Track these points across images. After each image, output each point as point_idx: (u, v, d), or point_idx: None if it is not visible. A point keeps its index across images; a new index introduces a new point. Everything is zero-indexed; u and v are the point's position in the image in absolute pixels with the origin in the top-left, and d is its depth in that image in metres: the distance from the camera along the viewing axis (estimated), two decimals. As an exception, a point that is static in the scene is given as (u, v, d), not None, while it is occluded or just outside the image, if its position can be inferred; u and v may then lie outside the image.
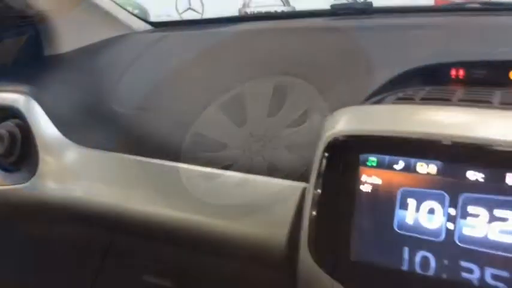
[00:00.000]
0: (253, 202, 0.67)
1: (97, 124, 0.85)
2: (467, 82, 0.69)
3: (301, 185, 0.63)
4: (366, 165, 0.55)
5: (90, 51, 1.00)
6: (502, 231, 0.48)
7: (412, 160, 0.52)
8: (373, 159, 0.54)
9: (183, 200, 0.71)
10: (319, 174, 0.57)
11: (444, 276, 0.50)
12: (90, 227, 0.82)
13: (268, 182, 0.66)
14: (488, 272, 0.48)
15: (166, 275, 0.86)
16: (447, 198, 0.51)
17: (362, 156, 0.55)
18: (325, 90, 0.72)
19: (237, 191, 0.68)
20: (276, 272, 0.66)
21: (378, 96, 0.67)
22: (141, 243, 0.81)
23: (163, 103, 0.83)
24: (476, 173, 0.49)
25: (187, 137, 0.76)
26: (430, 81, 0.70)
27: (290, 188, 0.64)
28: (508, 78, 0.68)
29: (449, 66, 0.69)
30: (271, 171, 0.67)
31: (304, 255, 0.57)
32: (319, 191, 0.57)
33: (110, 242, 0.85)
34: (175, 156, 0.75)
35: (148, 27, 1.08)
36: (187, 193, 0.71)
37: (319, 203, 0.56)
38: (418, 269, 0.51)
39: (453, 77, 0.70)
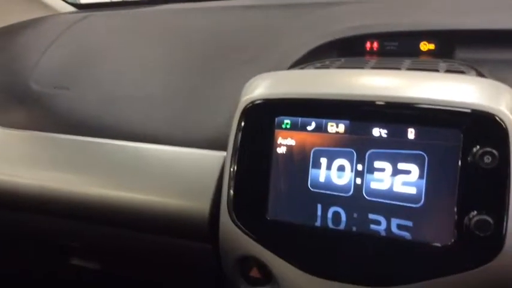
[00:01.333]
0: (174, 174, 0.67)
1: (16, 104, 0.83)
2: (381, 53, 0.73)
3: (222, 153, 0.64)
4: (281, 128, 0.56)
5: (10, 32, 0.97)
6: (405, 183, 0.51)
7: (323, 121, 0.54)
8: (287, 121, 0.56)
9: (104, 177, 0.70)
10: (236, 138, 0.58)
11: (354, 229, 0.53)
12: (15, 210, 0.79)
13: (189, 153, 0.67)
14: (394, 222, 0.51)
15: (92, 257, 0.84)
16: (355, 155, 0.53)
17: (277, 119, 0.56)
18: (246, 63, 0.73)
19: (158, 163, 0.68)
20: (201, 243, 0.67)
21: (297, 67, 0.69)
22: (66, 224, 0.79)
23: (84, 81, 0.82)
24: (381, 130, 0.52)
25: (107, 113, 0.75)
26: (346, 54, 0.73)
27: (211, 157, 0.65)
28: (419, 48, 0.72)
29: (364, 38, 0.73)
30: (192, 142, 0.68)
31: (224, 217, 0.58)
32: (237, 154, 0.58)
33: (36, 226, 0.83)
34: (96, 132, 0.74)
35: (72, 8, 1.06)
36: (107, 169, 0.70)
37: (237, 166, 0.58)
38: (330, 224, 0.53)
39: (368, 49, 0.73)
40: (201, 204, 0.63)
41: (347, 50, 0.73)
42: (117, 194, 0.68)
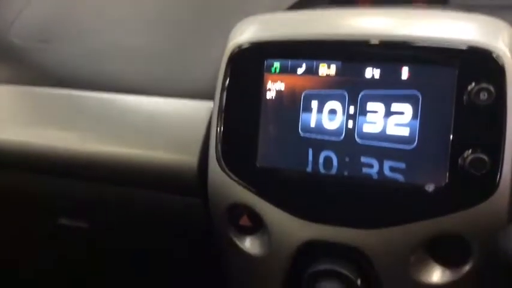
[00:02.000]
0: (161, 125, 0.65)
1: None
2: (373, 1, 0.71)
3: (210, 103, 0.62)
4: (270, 72, 0.54)
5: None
6: (398, 125, 0.49)
7: (314, 62, 0.52)
8: (276, 64, 0.54)
9: (88, 130, 0.68)
10: (224, 85, 0.56)
11: (346, 173, 0.51)
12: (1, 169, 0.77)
13: (176, 104, 0.65)
14: (387, 165, 0.50)
15: (80, 216, 0.83)
16: (347, 97, 0.51)
17: (266, 62, 0.54)
18: (234, 11, 0.70)
19: (144, 115, 0.66)
20: (190, 197, 0.65)
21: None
22: (51, 182, 0.78)
23: (67, 34, 0.78)
24: (374, 70, 0.50)
25: (91, 65, 0.72)
26: (338, 1, 0.71)
27: (199, 107, 0.63)
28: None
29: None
30: (179, 92, 0.65)
31: (213, 165, 0.56)
32: (224, 101, 0.56)
33: (19, 184, 0.81)
34: (80, 85, 0.71)
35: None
36: (91, 122, 0.68)
37: (226, 113, 0.56)
38: (321, 169, 0.52)
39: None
40: (189, 157, 0.61)
41: (339, -1, 0.71)
42: (101, 148, 0.66)
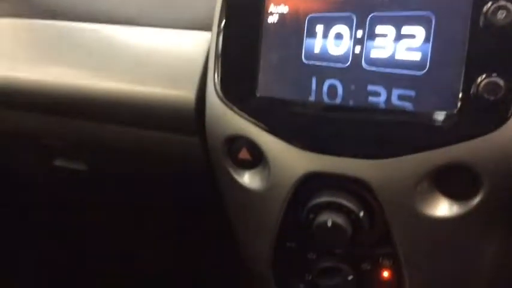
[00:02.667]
0: (157, 58, 0.62)
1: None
2: None
3: (209, 34, 0.59)
4: (272, -6, 0.51)
5: None
6: (409, 49, 0.46)
7: (320, -18, 0.49)
8: (279, -14, 0.50)
9: (80, 65, 0.65)
10: (222, 9, 0.52)
11: (351, 102, 0.48)
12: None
13: (172, 34, 0.62)
14: (395, 93, 0.47)
15: (77, 157, 0.81)
16: (355, 20, 0.48)
17: (268, -16, 0.51)
18: None
19: (139, 47, 0.63)
20: (188, 137, 0.63)
21: None
22: (45, 121, 0.75)
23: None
24: (384, -10, 0.47)
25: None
26: None
27: (197, 37, 0.60)
28: None
29: None
30: (176, 23, 0.62)
31: (211, 97, 0.54)
32: (223, 27, 0.52)
33: (13, 123, 0.79)
34: (72, 17, 0.68)
35: None
36: (83, 56, 0.65)
37: (224, 40, 0.52)
38: (325, 99, 0.49)
39: None
40: (186, 91, 0.58)
41: None
42: (94, 83, 0.63)
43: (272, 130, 0.51)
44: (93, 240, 1.09)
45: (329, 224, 0.48)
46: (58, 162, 0.82)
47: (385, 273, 0.52)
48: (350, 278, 0.53)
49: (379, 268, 0.52)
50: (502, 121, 0.43)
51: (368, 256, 0.52)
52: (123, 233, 1.07)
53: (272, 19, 0.51)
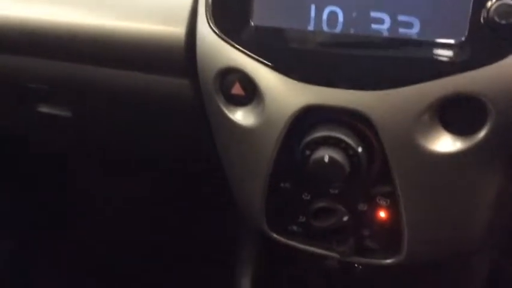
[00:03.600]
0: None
1: None
2: None
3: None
4: None
5: None
6: (416, -29, 0.43)
7: None
8: None
9: (70, 2, 0.61)
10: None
11: (352, 30, 0.45)
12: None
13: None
14: (400, 19, 0.44)
15: (62, 102, 0.78)
16: None
17: None
18: None
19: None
20: (178, 78, 0.60)
21: None
22: (31, 63, 0.72)
23: None
24: None
25: None
26: None
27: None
28: None
29: None
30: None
31: (202, 26, 0.50)
32: None
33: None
34: None
35: None
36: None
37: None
38: (324, 27, 0.46)
39: None
40: (176, 27, 0.55)
41: None
42: (80, 20, 0.60)
43: (267, 62, 0.48)
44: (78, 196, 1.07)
45: (326, 159, 0.46)
46: (42, 109, 0.79)
47: (382, 214, 0.50)
48: (345, 219, 0.51)
49: (376, 208, 0.50)
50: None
51: (364, 196, 0.49)
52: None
53: None
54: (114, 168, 0.99)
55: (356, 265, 0.62)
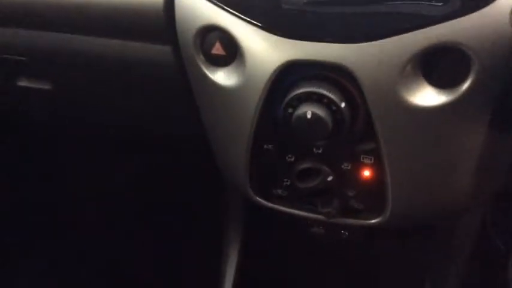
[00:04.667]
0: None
1: None
2: None
3: None
4: None
5: None
6: None
7: None
8: None
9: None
10: None
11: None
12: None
13: None
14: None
15: (42, 76, 0.76)
16: None
17: None
18: None
19: None
20: (160, 45, 0.58)
21: None
22: (8, 34, 0.70)
23: None
24: None
25: None
26: None
27: None
28: None
29: None
30: None
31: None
32: None
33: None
34: None
35: None
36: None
37: None
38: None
39: None
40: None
41: None
42: None
43: (248, 18, 0.47)
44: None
45: (309, 115, 0.45)
46: (21, 82, 0.77)
47: (366, 172, 0.49)
48: (330, 179, 0.50)
49: (360, 167, 0.49)
50: None
51: (348, 154, 0.49)
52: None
53: None
54: (97, 145, 0.97)
55: (342, 231, 0.62)
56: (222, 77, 0.51)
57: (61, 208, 1.04)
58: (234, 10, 0.47)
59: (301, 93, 0.46)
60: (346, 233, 0.61)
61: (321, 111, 0.45)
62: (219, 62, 0.51)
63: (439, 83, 0.44)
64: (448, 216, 0.56)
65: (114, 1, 0.57)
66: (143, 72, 0.64)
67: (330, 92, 0.45)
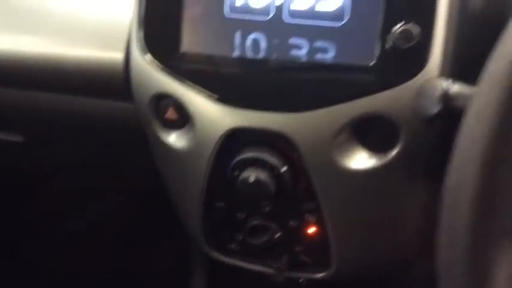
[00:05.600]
0: (86, 18, 0.60)
1: None
2: None
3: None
4: None
5: None
6: (327, 0, 0.46)
7: None
8: None
9: (5, 28, 0.63)
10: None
11: (274, 56, 0.48)
12: None
13: None
14: (316, 45, 0.46)
15: (15, 127, 0.78)
16: (276, -29, 0.47)
17: None
18: None
19: (69, 8, 0.61)
20: (122, 100, 0.61)
21: None
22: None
23: None
24: None
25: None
26: None
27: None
28: None
29: None
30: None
31: (135, 54, 0.52)
32: None
33: None
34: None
35: None
36: (8, 18, 0.62)
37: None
38: (248, 53, 0.48)
39: None
40: (115, 52, 0.57)
41: None
42: (21, 47, 0.61)
43: (196, 87, 0.50)
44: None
45: (251, 180, 0.48)
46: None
47: (311, 229, 0.52)
48: (277, 235, 0.52)
49: (305, 224, 0.52)
50: (418, 69, 0.43)
51: (294, 213, 0.51)
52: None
53: (194, -28, 0.50)
54: (66, 195, 0.99)
55: (300, 280, 0.64)
56: (175, 139, 0.53)
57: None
58: (182, 79, 0.50)
59: (244, 158, 0.49)
60: (304, 282, 0.63)
61: (263, 176, 0.48)
62: (172, 125, 0.53)
63: (372, 148, 0.47)
64: (396, 267, 0.59)
65: (76, 61, 0.60)
66: (107, 127, 0.67)
67: (272, 157, 0.48)
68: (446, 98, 0.40)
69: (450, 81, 0.41)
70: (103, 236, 1.02)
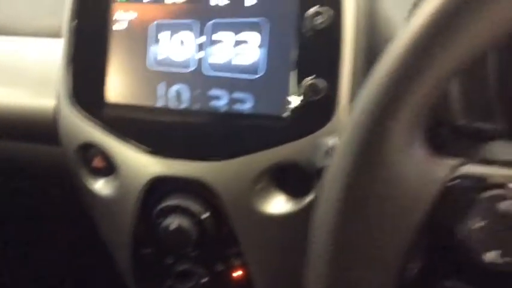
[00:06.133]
0: (19, 67, 0.60)
1: None
2: None
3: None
4: (118, 0, 0.51)
5: None
6: (244, 54, 0.48)
7: (160, -11, 0.50)
8: (123, -8, 0.51)
9: None
10: (72, 17, 0.52)
11: (195, 107, 0.50)
12: None
13: (29, 42, 0.61)
14: (234, 96, 0.49)
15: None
16: (196, 26, 0.49)
17: (113, -9, 0.51)
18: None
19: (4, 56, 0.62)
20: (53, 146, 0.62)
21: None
22: None
23: None
24: (220, -2, 0.49)
25: None
26: None
27: (55, 45, 0.59)
28: None
29: None
30: (33, 31, 0.61)
31: (63, 103, 0.53)
32: (73, 35, 0.52)
33: None
34: None
35: None
36: None
37: (74, 48, 0.52)
38: (171, 104, 0.50)
39: None
40: (46, 100, 0.57)
41: None
42: None
43: (119, 136, 0.51)
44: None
45: (172, 227, 0.49)
46: None
47: (237, 273, 0.53)
48: (204, 280, 0.53)
49: (231, 268, 0.53)
50: (327, 120, 0.45)
51: (220, 257, 0.52)
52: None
53: (119, 26, 0.51)
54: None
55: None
56: (102, 187, 0.54)
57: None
58: (107, 129, 0.51)
59: (167, 206, 0.50)
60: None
61: (184, 223, 0.49)
62: (99, 173, 0.54)
63: (290, 193, 0.49)
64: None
65: (8, 108, 0.60)
66: (39, 171, 0.67)
67: (194, 204, 0.49)
68: (331, 155, 0.42)
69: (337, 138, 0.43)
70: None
